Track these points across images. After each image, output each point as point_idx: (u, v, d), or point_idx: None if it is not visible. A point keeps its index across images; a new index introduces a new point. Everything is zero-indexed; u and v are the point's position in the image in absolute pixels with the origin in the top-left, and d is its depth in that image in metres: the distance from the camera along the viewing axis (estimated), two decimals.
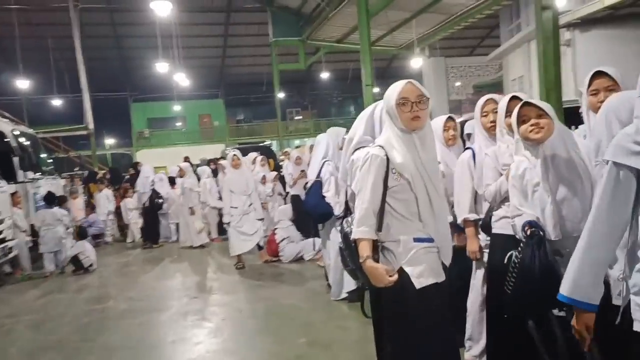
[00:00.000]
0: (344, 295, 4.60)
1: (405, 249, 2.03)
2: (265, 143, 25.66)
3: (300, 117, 34.15)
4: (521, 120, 2.08)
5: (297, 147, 17.20)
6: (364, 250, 2.01)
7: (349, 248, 2.18)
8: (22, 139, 8.52)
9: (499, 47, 16.53)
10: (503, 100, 2.54)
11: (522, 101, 2.15)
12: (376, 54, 24.63)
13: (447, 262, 2.14)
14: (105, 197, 10.02)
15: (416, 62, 15.74)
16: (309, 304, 4.83)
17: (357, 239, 2.05)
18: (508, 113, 2.57)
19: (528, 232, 2.04)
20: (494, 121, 2.65)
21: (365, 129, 2.43)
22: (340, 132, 4.94)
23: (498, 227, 2.56)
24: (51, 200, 7.66)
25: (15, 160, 7.89)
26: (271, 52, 18.36)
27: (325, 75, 23.26)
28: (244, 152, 9.25)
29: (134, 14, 20.19)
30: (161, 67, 14.82)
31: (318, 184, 4.49)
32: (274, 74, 18.02)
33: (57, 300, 5.96)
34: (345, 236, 2.23)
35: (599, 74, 2.14)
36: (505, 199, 2.44)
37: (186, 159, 11.64)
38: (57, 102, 23.63)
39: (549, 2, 6.09)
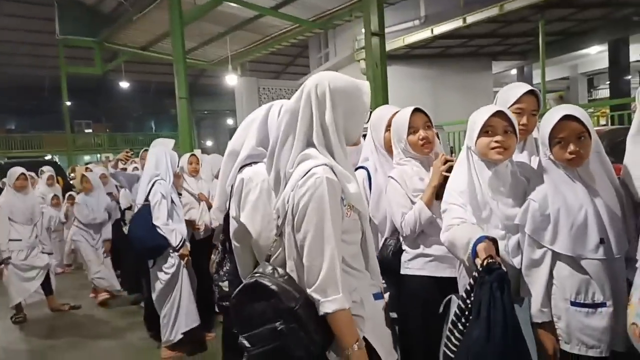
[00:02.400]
0: (179, 336, 3.65)
1: (371, 314, 1.41)
2: (47, 158, 21.79)
3: (91, 130, 30.30)
4: (484, 132, 1.69)
5: (87, 164, 14.83)
6: (352, 333, 1.33)
7: (296, 332, 1.32)
8: None
9: (307, 73, 17.31)
10: (404, 114, 2.16)
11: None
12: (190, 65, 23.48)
13: None
14: None
15: (231, 79, 15.22)
16: None
17: (334, 314, 1.31)
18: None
19: (484, 262, 1.50)
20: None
21: (258, 138, 1.75)
22: (169, 143, 4.08)
23: (413, 268, 2.11)
24: None
25: None
26: (58, 52, 15.58)
27: (124, 85, 20.94)
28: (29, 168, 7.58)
29: None
30: None
31: (146, 209, 3.51)
32: (61, 77, 15.31)
33: None
34: (282, 310, 1.34)
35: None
36: (422, 232, 2.04)
37: None
38: None
39: (377, 29, 6.30)
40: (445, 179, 1.94)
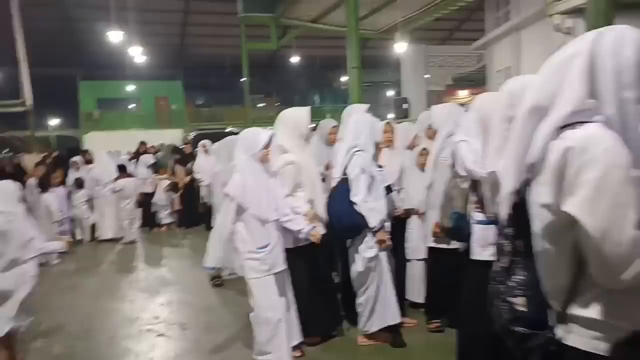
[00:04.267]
0: (375, 329, 3.30)
1: None
2: (227, 130, 23.91)
3: (264, 104, 32.49)
4: None
5: None
6: None
7: None
8: None
9: (475, 38, 15.67)
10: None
11: None
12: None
13: None
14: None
15: (400, 46, 14.54)
16: None
17: None
18: None
19: None
20: None
21: (588, 85, 1.12)
22: (363, 109, 3.67)
23: None
24: None
25: None
26: (240, 30, 16.62)
27: (294, 60, 21.68)
28: (213, 139, 8.18)
29: None
30: (114, 36, 12.87)
31: (344, 184, 3.15)
32: (242, 54, 16.34)
33: None
34: None
35: None
36: None
37: (142, 145, 9.94)
38: None
39: None
40: None
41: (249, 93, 17.90)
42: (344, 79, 32.04)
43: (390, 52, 18.11)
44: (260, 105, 32.64)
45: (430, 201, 3.34)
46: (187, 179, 7.93)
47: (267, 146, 3.01)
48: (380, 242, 3.17)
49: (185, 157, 8.33)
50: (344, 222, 3.11)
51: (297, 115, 3.39)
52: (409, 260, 3.80)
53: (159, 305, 4.81)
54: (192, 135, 14.64)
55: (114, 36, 12.86)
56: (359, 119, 3.28)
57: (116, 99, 26.24)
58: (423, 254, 3.69)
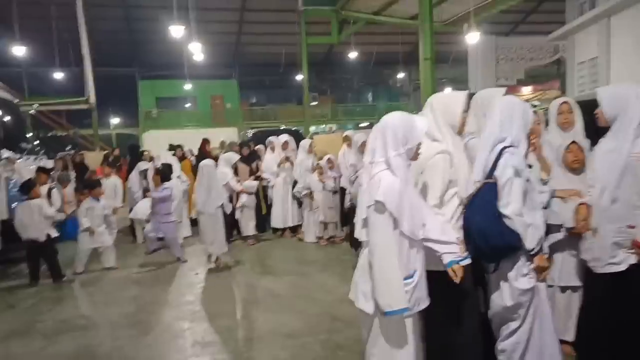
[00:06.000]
0: None
1: None
2: (289, 129, 23.39)
3: (316, 102, 31.91)
4: None
5: (313, 134, 15.07)
6: None
7: None
8: None
9: (548, 31, 14.25)
10: None
11: None
12: (411, 31, 22.33)
13: None
14: (112, 187, 7.47)
15: (472, 37, 13.44)
16: None
17: None
18: None
19: None
20: None
21: None
22: (500, 92, 2.88)
23: None
24: (27, 189, 5.59)
25: None
26: (300, 24, 16.04)
27: (352, 55, 20.83)
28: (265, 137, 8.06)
29: None
30: (176, 30, 12.65)
31: (490, 189, 2.38)
32: (302, 48, 15.74)
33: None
34: None
35: None
36: None
37: (205, 142, 9.54)
38: (59, 75, 21.48)
39: None
40: None
41: (301, 91, 17.34)
42: (400, 75, 30.99)
43: (452, 47, 16.95)
44: (314, 103, 32.17)
45: (610, 213, 2.49)
46: (252, 179, 7.37)
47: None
48: (539, 269, 2.38)
49: (248, 155, 7.78)
50: (490, 240, 2.32)
51: (450, 100, 2.60)
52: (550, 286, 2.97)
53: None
54: (250, 132, 14.27)
55: (176, 31, 12.65)
56: (507, 104, 2.48)
57: (173, 97, 26.51)
58: (577, 281, 2.87)
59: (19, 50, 16.64)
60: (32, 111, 14.16)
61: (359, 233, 2.36)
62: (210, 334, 3.95)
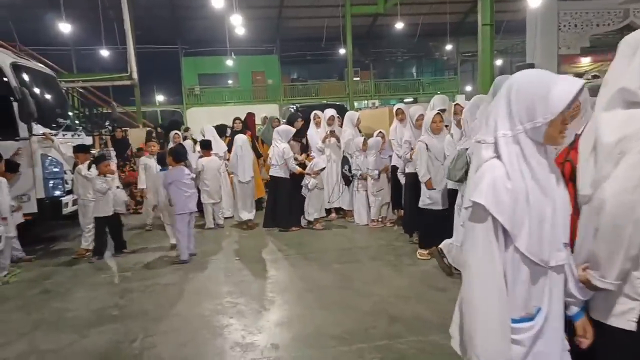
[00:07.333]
0: None
1: None
2: (333, 103, 22.74)
3: (358, 77, 30.89)
4: None
5: (357, 109, 14.33)
6: None
7: None
8: (28, 78, 6.15)
9: None
10: None
11: None
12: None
13: None
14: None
15: (534, 1, 12.23)
16: None
17: None
18: None
19: None
20: None
21: None
22: None
23: None
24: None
25: (16, 106, 5.58)
26: None
27: (398, 26, 19.71)
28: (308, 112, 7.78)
29: None
30: (217, 1, 12.24)
31: None
32: (347, 19, 14.95)
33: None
34: None
35: None
36: None
37: (251, 116, 9.27)
38: (105, 54, 21.68)
39: None
40: None
41: (342, 66, 16.57)
42: (447, 48, 29.38)
43: (503, 16, 15.48)
44: (356, 79, 31.17)
45: None
46: (304, 156, 6.86)
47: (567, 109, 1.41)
48: None
49: (298, 131, 7.24)
50: None
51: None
52: None
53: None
54: (293, 108, 13.76)
55: (217, 1, 12.22)
56: None
57: (215, 74, 26.30)
58: None
59: (65, 28, 16.70)
60: (76, 88, 14.19)
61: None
62: (251, 334, 3.50)
